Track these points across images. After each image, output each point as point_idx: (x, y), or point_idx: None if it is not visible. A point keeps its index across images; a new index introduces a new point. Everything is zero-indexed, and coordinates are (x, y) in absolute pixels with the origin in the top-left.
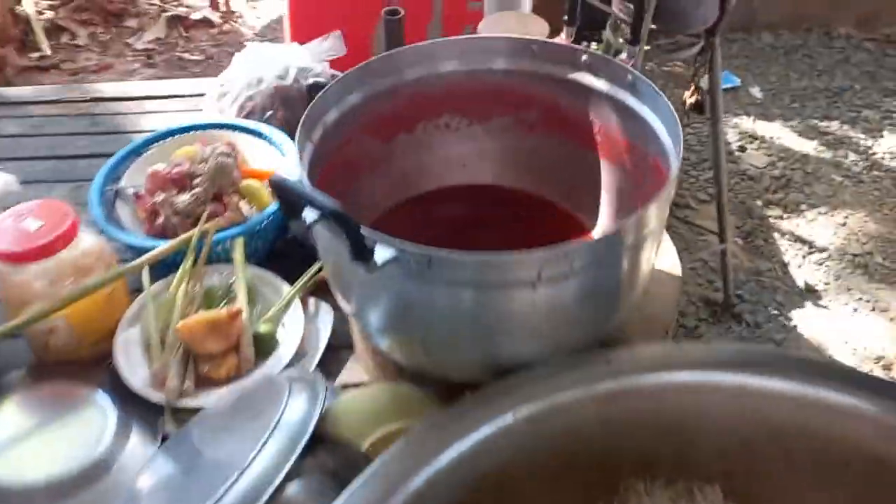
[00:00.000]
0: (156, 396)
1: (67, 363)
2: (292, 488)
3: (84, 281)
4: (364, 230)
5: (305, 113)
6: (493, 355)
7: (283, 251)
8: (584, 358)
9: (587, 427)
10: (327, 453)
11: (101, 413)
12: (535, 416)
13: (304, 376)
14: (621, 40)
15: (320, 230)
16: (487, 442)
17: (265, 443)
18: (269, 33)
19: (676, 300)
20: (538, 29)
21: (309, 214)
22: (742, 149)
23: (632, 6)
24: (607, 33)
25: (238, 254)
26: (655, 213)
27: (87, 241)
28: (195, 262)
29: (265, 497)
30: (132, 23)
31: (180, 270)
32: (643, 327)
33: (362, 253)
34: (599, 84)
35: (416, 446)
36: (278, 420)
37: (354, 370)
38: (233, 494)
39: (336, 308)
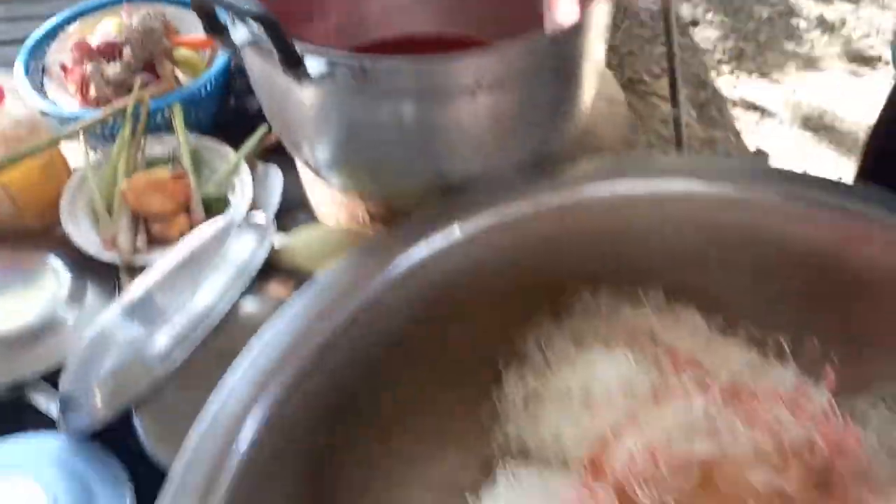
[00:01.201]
0: (108, 256)
1: (13, 232)
2: (248, 305)
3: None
4: (294, 42)
5: None
6: (436, 172)
7: (226, 122)
8: (531, 172)
9: (531, 242)
10: (281, 282)
11: (54, 275)
12: (480, 230)
13: (253, 221)
14: None
15: (251, 57)
16: (435, 254)
17: (215, 274)
18: None
19: (624, 124)
20: None
21: (237, 34)
22: (694, 23)
23: None
24: None
25: (178, 120)
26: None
27: (16, 111)
28: (134, 131)
29: (216, 316)
30: None
31: (118, 139)
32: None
33: (293, 61)
34: None
35: (367, 257)
36: (225, 256)
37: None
38: (185, 317)
39: (286, 171)
